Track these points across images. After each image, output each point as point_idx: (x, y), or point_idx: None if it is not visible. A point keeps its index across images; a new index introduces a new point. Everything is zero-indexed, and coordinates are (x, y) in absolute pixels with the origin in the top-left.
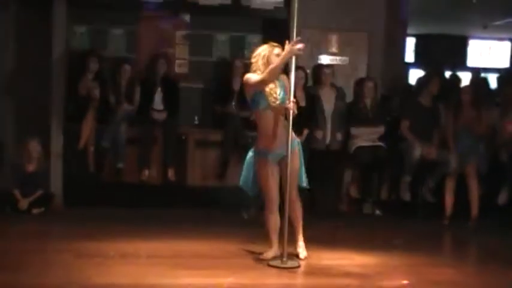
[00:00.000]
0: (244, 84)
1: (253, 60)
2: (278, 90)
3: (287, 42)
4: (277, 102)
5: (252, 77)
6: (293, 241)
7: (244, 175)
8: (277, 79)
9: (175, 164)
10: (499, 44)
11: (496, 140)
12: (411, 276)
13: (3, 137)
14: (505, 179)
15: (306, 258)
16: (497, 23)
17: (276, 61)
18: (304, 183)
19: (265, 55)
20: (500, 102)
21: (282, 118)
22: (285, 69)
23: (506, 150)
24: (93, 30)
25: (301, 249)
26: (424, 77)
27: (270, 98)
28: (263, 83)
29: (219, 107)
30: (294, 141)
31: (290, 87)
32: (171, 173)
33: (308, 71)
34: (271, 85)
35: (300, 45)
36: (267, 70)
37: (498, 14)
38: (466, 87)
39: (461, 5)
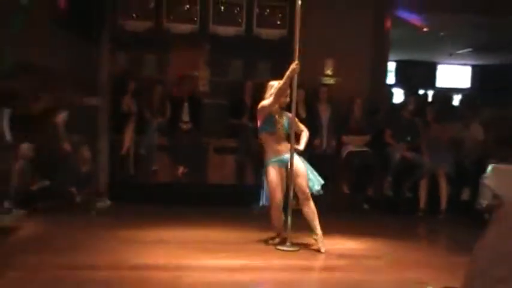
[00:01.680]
0: (258, 111)
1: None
2: (284, 121)
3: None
4: (282, 129)
5: (265, 101)
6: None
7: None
8: (284, 115)
9: (189, 165)
10: (462, 68)
11: (461, 149)
12: (392, 258)
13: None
14: (468, 180)
15: (325, 251)
16: (460, 51)
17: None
18: (316, 187)
19: (277, 87)
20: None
21: (284, 139)
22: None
23: (468, 158)
24: (132, 57)
25: (321, 244)
26: (405, 96)
27: (277, 125)
28: (275, 101)
29: (234, 119)
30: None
31: (293, 122)
32: (182, 171)
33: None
34: (278, 116)
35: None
36: (277, 88)
37: (460, 44)
38: (430, 106)
39: (432, 37)
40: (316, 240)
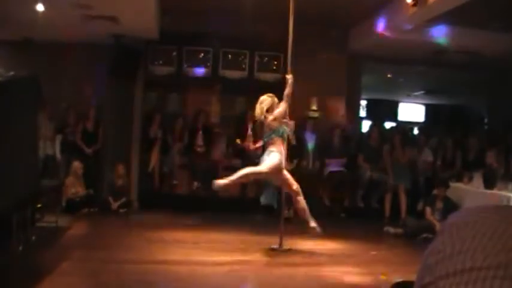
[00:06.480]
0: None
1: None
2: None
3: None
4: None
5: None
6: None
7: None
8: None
9: (202, 180)
10: (417, 106)
11: (416, 168)
12: (363, 255)
13: (103, 163)
14: (422, 193)
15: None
16: (415, 93)
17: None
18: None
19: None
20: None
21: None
22: None
23: (422, 176)
24: (158, 95)
25: (318, 229)
26: (370, 127)
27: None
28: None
29: (239, 143)
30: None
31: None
32: (196, 185)
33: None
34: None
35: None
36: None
37: (415, 88)
38: (395, 135)
39: (394, 82)
40: (313, 227)
